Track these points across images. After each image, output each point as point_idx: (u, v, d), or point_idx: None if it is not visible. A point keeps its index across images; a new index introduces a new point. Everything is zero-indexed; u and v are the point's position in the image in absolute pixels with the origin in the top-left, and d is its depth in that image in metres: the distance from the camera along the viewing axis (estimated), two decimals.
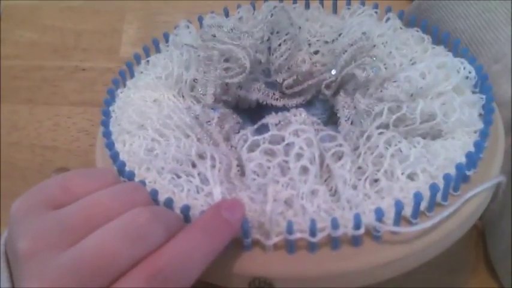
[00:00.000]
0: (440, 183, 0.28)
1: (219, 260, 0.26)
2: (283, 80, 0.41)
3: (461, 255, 0.41)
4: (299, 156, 0.30)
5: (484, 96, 0.34)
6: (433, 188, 0.27)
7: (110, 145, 0.33)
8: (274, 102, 0.41)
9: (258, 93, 0.41)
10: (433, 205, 0.28)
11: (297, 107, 0.40)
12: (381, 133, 0.32)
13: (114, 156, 0.32)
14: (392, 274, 0.28)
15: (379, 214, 0.27)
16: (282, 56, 0.40)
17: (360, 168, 0.31)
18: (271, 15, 0.39)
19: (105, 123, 0.35)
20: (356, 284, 0.28)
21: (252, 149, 0.32)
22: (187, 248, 0.25)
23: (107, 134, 0.34)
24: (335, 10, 0.45)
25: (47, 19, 0.55)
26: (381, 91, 0.34)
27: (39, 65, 0.53)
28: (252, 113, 0.41)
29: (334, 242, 0.27)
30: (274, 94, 0.42)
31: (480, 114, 0.34)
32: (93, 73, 0.52)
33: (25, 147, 0.48)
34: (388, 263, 0.27)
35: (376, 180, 0.30)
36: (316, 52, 0.42)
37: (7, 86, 0.52)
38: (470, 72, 0.35)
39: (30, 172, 0.47)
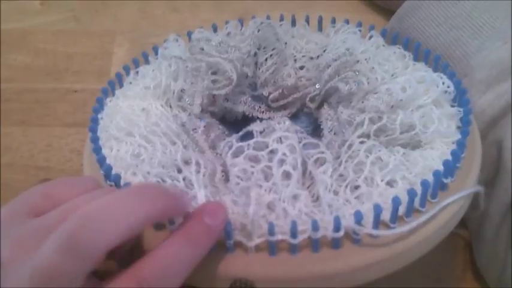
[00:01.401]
0: (419, 190, 0.29)
1: (201, 262, 0.27)
2: (269, 93, 0.42)
3: (448, 265, 0.42)
4: (282, 161, 0.31)
5: (461, 109, 0.35)
6: (411, 193, 0.28)
7: (97, 150, 0.34)
8: (260, 115, 0.42)
9: (244, 106, 0.42)
10: (411, 210, 0.29)
11: None
12: (361, 142, 0.33)
13: (101, 161, 0.33)
14: (372, 277, 0.29)
15: (359, 217, 0.28)
16: (268, 70, 0.42)
17: (341, 175, 0.32)
18: (258, 30, 0.41)
19: (93, 130, 0.36)
20: (336, 287, 0.29)
21: (236, 155, 0.32)
22: (171, 255, 0.25)
23: (94, 139, 0.34)
24: (320, 28, 0.46)
25: (40, 43, 0.57)
26: (363, 102, 0.35)
27: (32, 87, 0.54)
28: (238, 125, 0.42)
29: (314, 245, 0.28)
30: (260, 107, 0.43)
31: (458, 127, 0.35)
32: (84, 94, 0.53)
33: (19, 168, 0.49)
34: (367, 266, 0.28)
35: (356, 187, 0.31)
36: (301, 67, 0.43)
37: (1, 109, 0.53)
38: (449, 87, 0.36)
39: None
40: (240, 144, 0.32)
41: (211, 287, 0.29)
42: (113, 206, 0.24)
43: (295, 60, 0.43)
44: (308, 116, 0.43)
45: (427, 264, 0.41)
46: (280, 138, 0.32)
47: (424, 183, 0.29)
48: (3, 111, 0.52)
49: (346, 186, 0.31)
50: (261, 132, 0.34)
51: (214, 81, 0.39)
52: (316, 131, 0.42)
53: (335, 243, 0.28)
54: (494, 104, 0.38)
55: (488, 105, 0.38)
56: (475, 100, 0.39)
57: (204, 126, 0.37)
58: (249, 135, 0.34)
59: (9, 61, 0.55)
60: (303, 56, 0.43)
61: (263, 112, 0.42)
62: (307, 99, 0.41)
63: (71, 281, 0.23)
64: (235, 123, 0.43)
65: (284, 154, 0.31)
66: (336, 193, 0.31)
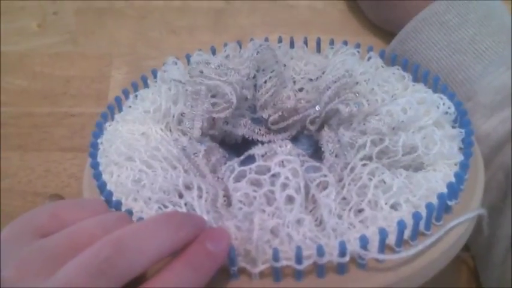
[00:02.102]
0: (423, 213, 0.29)
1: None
2: (269, 115, 0.42)
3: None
4: (285, 186, 0.31)
5: (463, 131, 0.35)
6: (416, 216, 0.28)
7: (97, 175, 0.33)
8: (260, 138, 0.42)
9: (244, 129, 0.42)
10: (416, 233, 0.29)
11: None
12: (364, 164, 0.33)
13: (101, 187, 0.32)
14: None
15: (364, 241, 0.27)
16: (267, 92, 0.41)
17: (344, 198, 0.32)
18: (257, 52, 0.41)
19: (93, 155, 0.36)
20: None
21: (238, 179, 0.32)
22: (172, 283, 0.25)
23: (95, 165, 0.34)
24: (319, 49, 0.46)
25: (36, 66, 0.56)
26: (364, 124, 0.35)
27: (29, 111, 0.54)
28: (238, 148, 0.42)
29: (319, 270, 0.28)
30: (260, 130, 0.42)
31: (460, 148, 0.35)
32: (82, 119, 0.53)
33: (16, 194, 0.49)
34: None
35: (360, 211, 0.31)
36: (300, 89, 0.43)
37: None
38: (449, 108, 0.36)
39: None
40: (242, 168, 0.32)
41: None
42: (145, 233, 0.25)
43: (294, 82, 0.43)
44: (308, 138, 0.43)
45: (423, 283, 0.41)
46: (283, 161, 0.32)
47: (429, 206, 0.29)
48: (1, 136, 0.52)
49: (350, 210, 0.31)
50: (262, 156, 0.33)
51: (214, 104, 0.39)
52: (316, 153, 0.42)
53: (340, 269, 0.28)
54: (499, 129, 0.38)
55: (493, 130, 0.38)
56: (480, 125, 0.39)
57: (205, 150, 0.37)
58: (250, 159, 0.34)
59: (6, 85, 0.55)
60: (302, 78, 0.43)
61: (263, 135, 0.42)
62: (308, 121, 0.41)
63: None
64: (235, 146, 0.43)
65: (287, 178, 0.31)
66: (339, 217, 0.31)
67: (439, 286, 0.41)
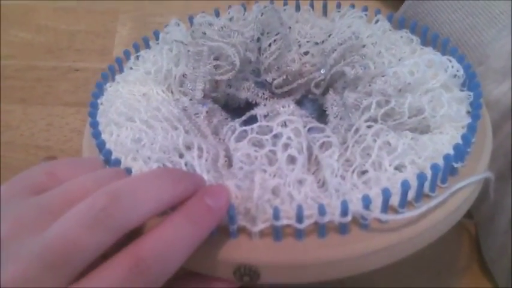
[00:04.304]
0: (428, 174, 0.28)
1: (203, 247, 0.26)
2: (273, 79, 0.41)
3: (451, 258, 0.41)
4: (287, 146, 0.30)
5: (471, 94, 0.34)
6: (421, 177, 0.27)
7: (96, 134, 0.33)
8: (263, 102, 0.41)
9: (247, 92, 0.41)
10: (420, 195, 0.28)
11: None
12: (369, 126, 0.32)
13: (100, 145, 0.32)
14: (379, 264, 0.28)
15: (367, 201, 0.27)
16: (271, 55, 0.40)
17: (347, 160, 0.31)
18: (262, 14, 0.40)
19: (93, 115, 0.35)
20: (343, 273, 0.28)
21: (239, 139, 0.31)
22: (170, 236, 0.24)
23: (94, 124, 0.34)
24: (325, 13, 0.45)
25: (41, 19, 0.56)
26: (370, 85, 0.34)
27: (33, 65, 0.53)
28: (242, 112, 0.41)
29: (321, 230, 0.27)
30: (263, 93, 0.41)
31: (468, 112, 0.34)
32: (86, 74, 0.52)
33: (19, 147, 0.48)
34: (375, 252, 0.27)
35: (363, 172, 0.30)
36: (306, 53, 0.42)
37: (1, 86, 0.52)
38: (458, 71, 0.35)
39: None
40: (244, 128, 0.31)
41: (216, 273, 0.28)
42: (142, 185, 0.25)
43: (299, 46, 0.42)
44: (313, 102, 0.42)
45: (428, 257, 0.40)
46: (285, 122, 0.31)
47: (434, 167, 0.28)
48: (3, 89, 0.52)
49: (353, 172, 0.30)
50: (265, 116, 0.33)
51: (216, 67, 0.38)
52: (321, 117, 0.41)
53: (342, 229, 0.27)
54: (510, 95, 0.37)
55: (503, 96, 0.37)
56: (490, 90, 0.38)
57: (207, 112, 0.37)
58: (252, 120, 0.33)
59: (10, 37, 0.55)
60: (307, 41, 0.42)
61: (266, 99, 0.41)
62: (312, 84, 0.40)
63: (90, 255, 0.23)
64: (238, 110, 0.42)
65: (289, 138, 0.30)
66: (342, 178, 0.30)
67: (441, 254, 0.41)
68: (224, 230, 0.28)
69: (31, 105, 0.51)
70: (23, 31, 0.55)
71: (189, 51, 0.38)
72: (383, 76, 0.34)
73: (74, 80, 0.52)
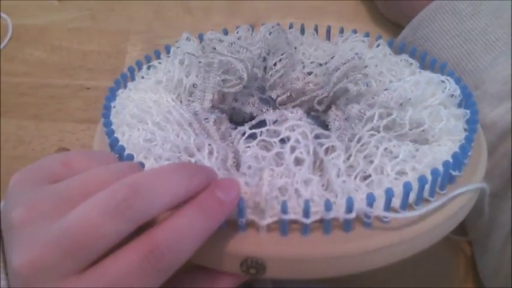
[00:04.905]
0: (429, 179, 0.29)
1: (211, 240, 0.27)
2: (277, 96, 0.43)
3: (450, 279, 0.42)
4: (294, 148, 0.31)
5: (468, 111, 0.36)
6: (422, 180, 0.29)
7: (109, 133, 0.34)
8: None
9: (252, 107, 0.42)
10: (420, 198, 0.29)
11: None
12: (372, 135, 0.34)
13: (113, 143, 0.33)
14: (381, 262, 0.29)
15: (371, 199, 0.28)
16: (277, 73, 0.42)
17: (351, 166, 0.33)
18: (270, 33, 0.42)
19: (105, 115, 0.36)
20: (346, 270, 0.29)
21: (248, 141, 0.33)
22: (184, 226, 0.25)
23: (107, 124, 0.35)
24: (328, 37, 0.47)
25: (55, 39, 0.58)
26: (372, 98, 0.36)
27: (46, 82, 0.55)
28: None
29: (326, 226, 0.28)
30: (267, 109, 0.43)
31: (465, 129, 0.36)
32: (97, 92, 0.54)
33: (30, 161, 0.49)
34: (377, 250, 0.28)
35: (366, 177, 0.32)
36: (309, 73, 0.44)
37: (15, 102, 0.54)
38: (455, 91, 0.37)
39: None
40: (253, 131, 0.33)
41: (222, 266, 0.29)
42: (160, 179, 0.26)
43: (303, 66, 0.44)
44: (315, 119, 0.43)
45: (425, 274, 0.41)
46: (293, 126, 0.32)
47: (434, 172, 0.29)
48: (18, 105, 0.54)
49: (356, 176, 0.32)
50: (274, 122, 0.34)
51: (224, 81, 0.40)
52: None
53: (346, 226, 0.28)
54: (506, 118, 0.39)
55: (499, 118, 0.39)
56: (486, 113, 0.40)
57: (215, 120, 0.38)
58: (261, 125, 0.35)
59: (25, 56, 0.57)
60: (311, 62, 0.44)
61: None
62: (315, 101, 0.42)
63: (108, 243, 0.24)
64: (242, 124, 0.43)
65: (297, 141, 0.31)
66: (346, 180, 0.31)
67: (437, 274, 0.42)
68: (232, 223, 0.29)
69: (43, 121, 0.53)
70: (38, 50, 0.57)
71: (200, 62, 0.39)
72: (385, 90, 0.36)
73: (85, 98, 0.54)
